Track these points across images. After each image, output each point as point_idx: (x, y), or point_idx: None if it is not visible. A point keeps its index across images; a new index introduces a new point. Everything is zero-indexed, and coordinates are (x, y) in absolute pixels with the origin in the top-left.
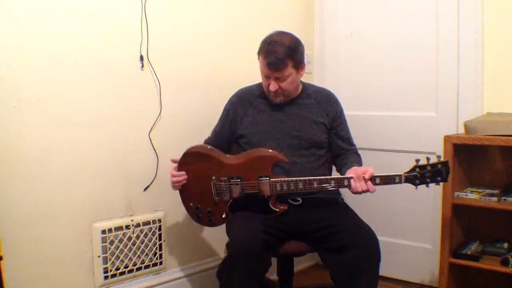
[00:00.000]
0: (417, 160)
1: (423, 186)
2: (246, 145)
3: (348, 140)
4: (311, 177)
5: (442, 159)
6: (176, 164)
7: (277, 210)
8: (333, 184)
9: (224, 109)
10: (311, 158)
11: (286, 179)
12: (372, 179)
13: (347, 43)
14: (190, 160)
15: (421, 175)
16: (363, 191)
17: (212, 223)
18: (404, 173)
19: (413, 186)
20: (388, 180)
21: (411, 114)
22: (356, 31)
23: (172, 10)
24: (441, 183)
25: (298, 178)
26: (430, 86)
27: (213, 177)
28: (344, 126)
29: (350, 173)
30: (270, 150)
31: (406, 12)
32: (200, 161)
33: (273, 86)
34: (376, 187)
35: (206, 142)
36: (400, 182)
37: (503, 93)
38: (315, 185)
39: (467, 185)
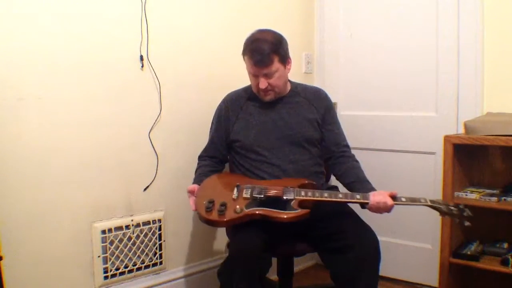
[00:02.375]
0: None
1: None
2: (240, 149)
3: (338, 135)
4: (337, 192)
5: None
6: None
7: (298, 209)
8: (359, 197)
9: (215, 117)
10: (305, 156)
11: (311, 189)
12: (398, 198)
13: (347, 44)
14: (215, 176)
15: (446, 206)
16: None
17: (222, 214)
18: (430, 199)
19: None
20: (413, 201)
21: (411, 114)
22: (356, 31)
23: (172, 10)
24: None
25: (323, 191)
26: (430, 86)
27: (237, 184)
28: (335, 120)
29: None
30: (299, 179)
31: (406, 12)
32: (225, 176)
33: (262, 84)
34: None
35: (204, 152)
36: (425, 203)
37: (503, 93)
38: (341, 195)
39: (467, 185)
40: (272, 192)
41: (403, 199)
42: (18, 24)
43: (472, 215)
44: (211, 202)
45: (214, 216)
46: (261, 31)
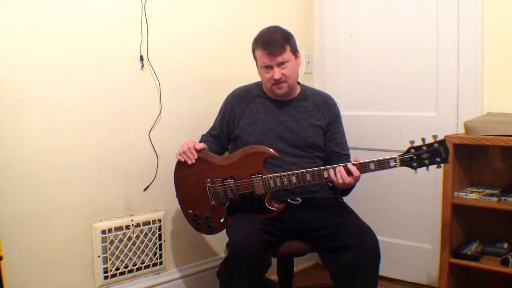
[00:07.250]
0: (412, 142)
1: (423, 170)
2: (242, 145)
3: (341, 144)
4: (304, 170)
5: (438, 138)
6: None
7: (274, 209)
8: (327, 175)
9: (221, 109)
10: (307, 160)
11: (278, 174)
12: (366, 164)
13: (347, 43)
14: (184, 166)
15: (418, 156)
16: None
17: (211, 230)
18: (399, 155)
19: (412, 172)
20: (382, 164)
21: (411, 114)
22: (356, 31)
23: (172, 10)
24: (442, 165)
25: (290, 172)
26: (430, 86)
27: (208, 180)
28: (340, 130)
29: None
30: (261, 146)
31: (406, 12)
32: (193, 165)
33: (277, 74)
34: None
35: (203, 139)
36: (396, 166)
37: (503, 93)
38: (308, 177)
39: (467, 185)
40: (243, 188)
41: (372, 167)
42: (19, 24)
43: (445, 156)
44: (197, 216)
45: (204, 231)
46: (270, 27)
